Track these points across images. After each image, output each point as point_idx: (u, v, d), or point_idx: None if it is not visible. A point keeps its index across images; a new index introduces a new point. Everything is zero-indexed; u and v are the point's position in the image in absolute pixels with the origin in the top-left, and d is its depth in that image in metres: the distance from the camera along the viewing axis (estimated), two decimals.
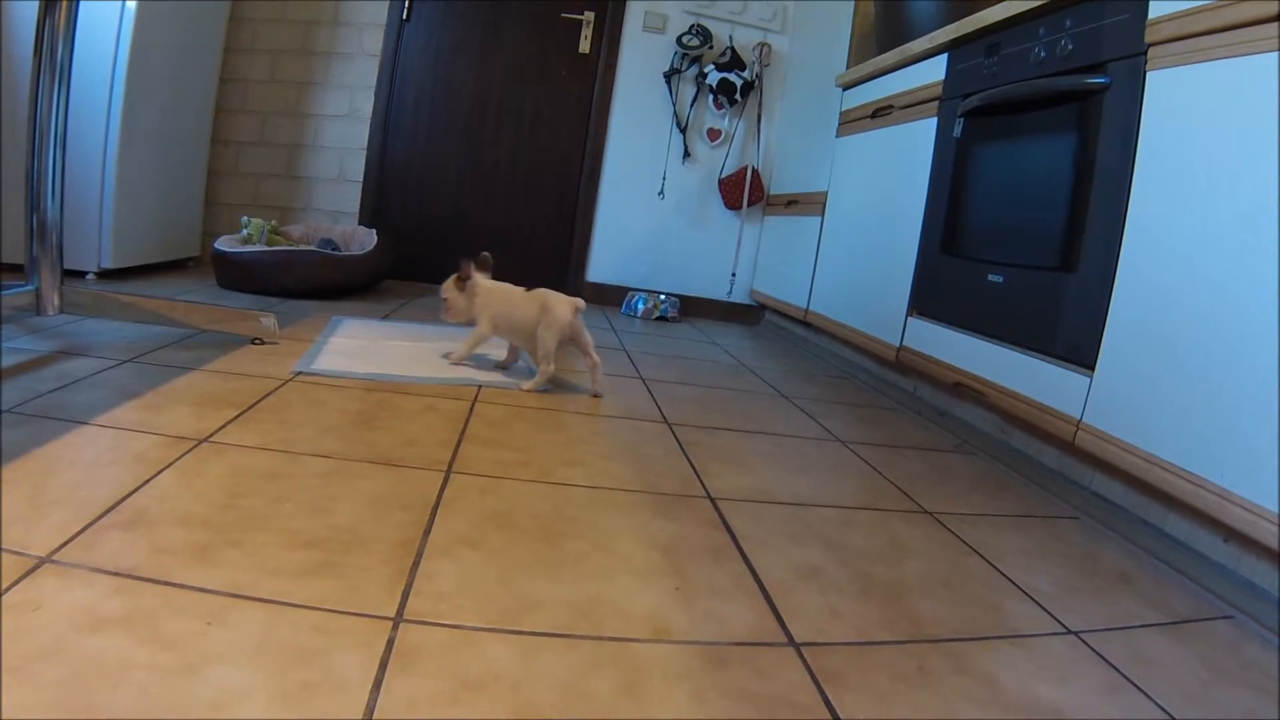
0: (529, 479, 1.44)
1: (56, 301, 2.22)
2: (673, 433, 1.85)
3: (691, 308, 4.03)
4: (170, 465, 1.31)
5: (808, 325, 3.33)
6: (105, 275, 3.32)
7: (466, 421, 1.74)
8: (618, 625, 0.99)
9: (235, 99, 4.19)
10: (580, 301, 2.14)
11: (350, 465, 1.40)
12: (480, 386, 2.07)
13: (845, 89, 3.28)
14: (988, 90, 2.19)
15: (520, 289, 2.26)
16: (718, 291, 4.11)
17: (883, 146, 2.88)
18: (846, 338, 2.92)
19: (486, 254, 2.37)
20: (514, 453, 1.58)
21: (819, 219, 3.28)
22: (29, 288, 2.17)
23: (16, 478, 1.22)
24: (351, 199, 4.25)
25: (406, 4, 4.13)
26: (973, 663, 1.00)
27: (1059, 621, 1.14)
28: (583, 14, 4.09)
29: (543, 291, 2.19)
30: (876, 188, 2.88)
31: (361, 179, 4.23)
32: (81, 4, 2.13)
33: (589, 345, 2.14)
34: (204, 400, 1.70)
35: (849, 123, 3.19)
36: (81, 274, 3.28)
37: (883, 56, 2.92)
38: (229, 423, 1.56)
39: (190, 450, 1.39)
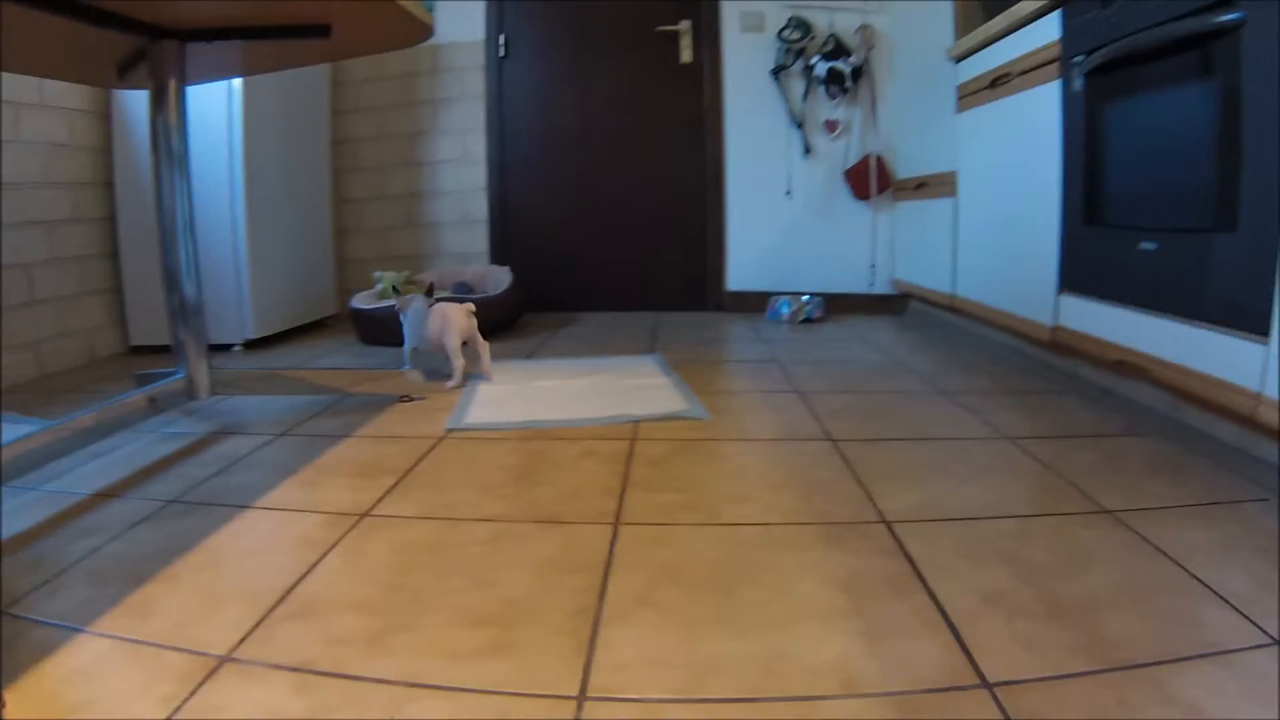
0: (698, 522, 1.38)
1: (206, 384, 2.28)
2: (837, 449, 1.76)
3: (835, 304, 3.90)
4: (334, 546, 1.31)
5: (954, 310, 3.16)
6: (250, 345, 3.44)
7: (628, 464, 1.69)
8: (805, 682, 0.91)
9: (349, 158, 4.33)
10: (471, 305, 2.51)
11: (514, 528, 1.37)
12: (637, 422, 2.01)
13: (957, 61, 3.11)
14: (1108, 45, 2.00)
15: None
16: (859, 285, 3.97)
17: (1007, 117, 2.70)
18: (996, 321, 2.75)
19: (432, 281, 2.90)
20: (680, 494, 1.51)
21: (952, 200, 3.12)
22: (178, 375, 2.24)
23: (187, 572, 1.23)
24: (478, 239, 4.31)
25: (502, 41, 4.16)
26: (1175, 690, 0.87)
27: (1261, 630, 1.00)
28: (678, 23, 4.03)
29: (440, 304, 2.56)
30: (1007, 161, 2.70)
31: (486, 218, 4.29)
32: (189, 89, 2.19)
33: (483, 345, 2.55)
34: (360, 470, 1.71)
35: (967, 96, 3.02)
36: (227, 347, 3.41)
37: (991, 23, 2.75)
38: (387, 493, 1.56)
39: (352, 528, 1.39)
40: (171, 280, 2.19)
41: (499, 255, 4.25)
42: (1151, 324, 1.85)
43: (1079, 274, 2.23)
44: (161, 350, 3.10)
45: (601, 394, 2.33)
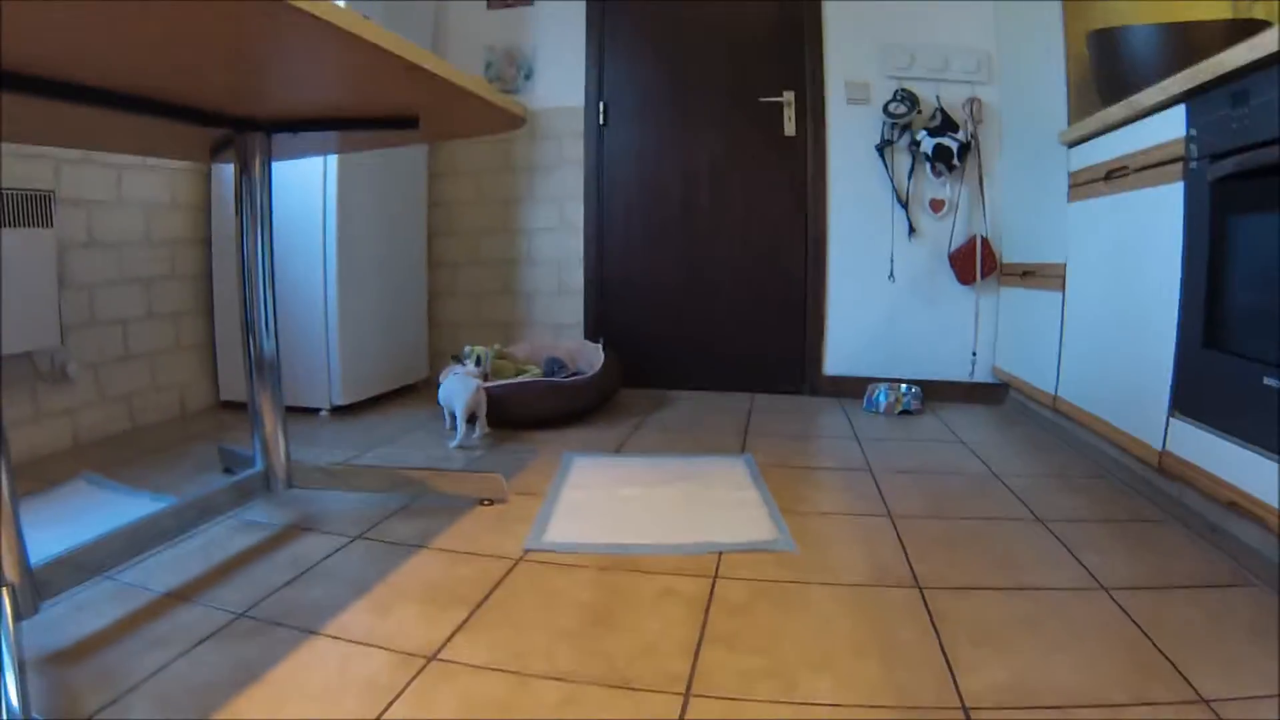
0: (772, 697, 1.36)
1: (283, 468, 2.35)
2: (924, 601, 1.72)
3: (933, 391, 3.83)
4: (400, 695, 1.34)
5: (1056, 409, 3.07)
6: (337, 411, 3.55)
7: (706, 611, 1.68)
8: None
9: (444, 221, 4.46)
10: (479, 383, 3.09)
11: (583, 693, 1.37)
12: (720, 553, 2.01)
13: (1070, 146, 3.05)
14: (1240, 153, 1.91)
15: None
16: (958, 372, 3.89)
17: (1122, 216, 2.61)
18: (1102, 432, 2.66)
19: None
20: (757, 656, 1.49)
21: (1059, 294, 3.03)
22: (256, 470, 2.32)
23: (250, 708, 1.29)
24: (573, 310, 4.38)
25: (602, 108, 4.23)
26: None
27: None
28: (781, 95, 4.03)
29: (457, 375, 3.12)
30: (1121, 264, 2.60)
31: (582, 289, 4.36)
32: None
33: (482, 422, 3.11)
34: (432, 594, 1.75)
35: (1080, 185, 2.94)
36: (314, 411, 3.52)
37: (1108, 110, 2.67)
38: (458, 629, 1.59)
39: (420, 672, 1.43)
40: (250, 333, 2.28)
41: (593, 327, 4.31)
42: (1274, 470, 1.76)
43: (1193, 398, 2.14)
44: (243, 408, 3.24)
45: (687, 510, 2.32)
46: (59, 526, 2.17)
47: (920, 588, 1.79)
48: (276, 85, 1.80)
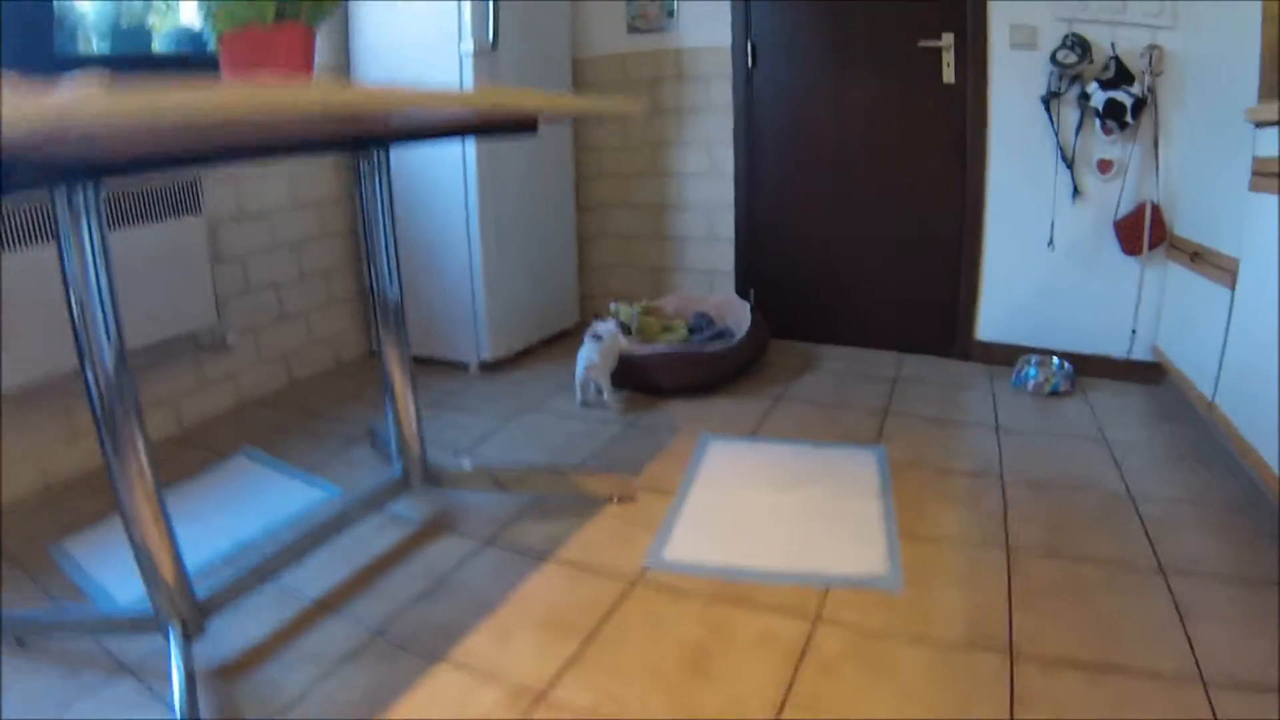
0: None
1: (421, 475, 2.59)
2: (1010, 674, 1.77)
3: (1088, 366, 3.71)
4: None
5: (1211, 415, 2.92)
6: (486, 368, 3.77)
7: (797, 667, 1.80)
8: None
9: (593, 165, 4.55)
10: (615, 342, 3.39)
11: None
12: (827, 589, 2.11)
13: (1257, 126, 2.83)
14: None
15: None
16: (1116, 348, 3.74)
17: None
18: (1253, 462, 2.52)
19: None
20: None
21: (1229, 292, 2.85)
22: (395, 476, 2.56)
23: None
24: (724, 257, 4.44)
25: (750, 49, 4.18)
26: None
27: None
28: (940, 38, 3.85)
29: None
30: None
31: (732, 236, 4.40)
32: None
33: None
34: (551, 619, 1.97)
35: (1263, 175, 2.72)
36: (464, 366, 3.76)
37: None
38: (567, 666, 1.80)
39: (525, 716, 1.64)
40: (375, 280, 2.44)
41: (743, 276, 4.37)
42: None
43: None
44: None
45: (806, 525, 2.42)
46: (222, 515, 2.54)
47: (1012, 655, 1.84)
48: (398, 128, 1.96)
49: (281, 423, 3.29)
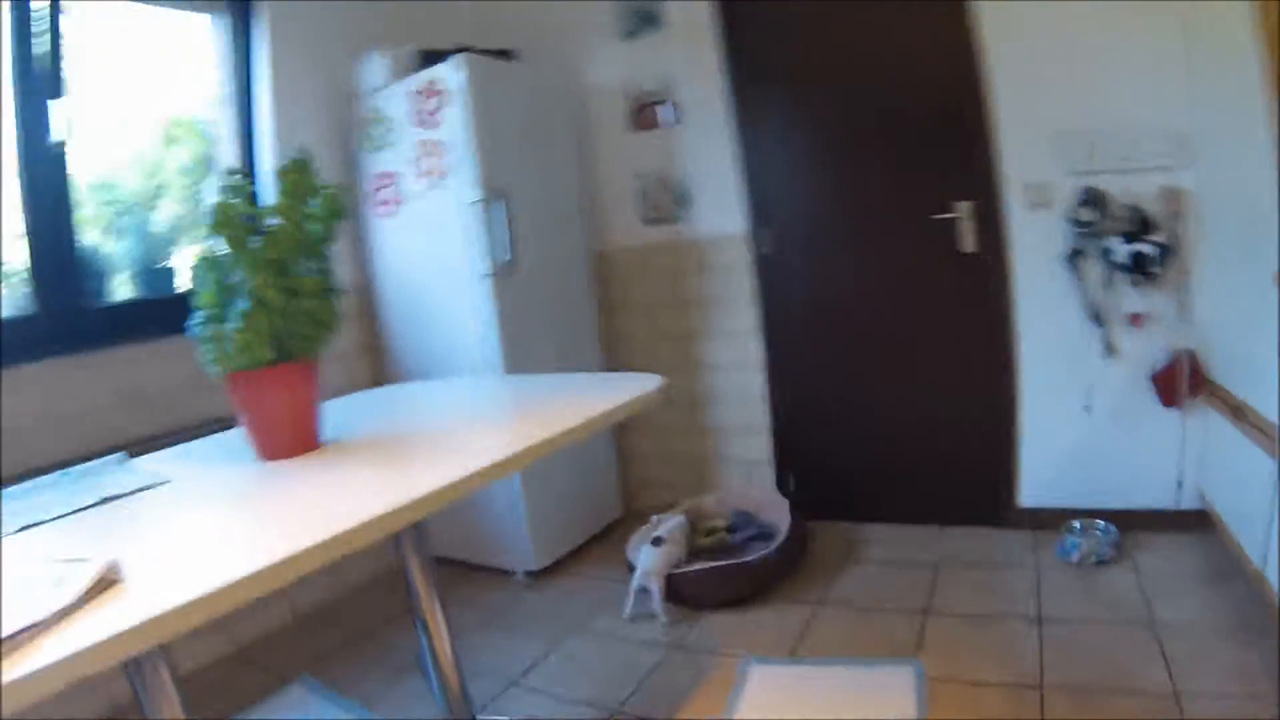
0: None
1: None
2: None
3: (1135, 522, 3.60)
4: None
5: (1264, 596, 2.81)
6: (533, 574, 3.92)
7: None
8: None
9: (623, 356, 4.67)
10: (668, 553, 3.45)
11: None
12: None
13: None
14: None
15: None
16: (1163, 499, 3.61)
17: None
18: None
19: None
20: None
21: (1273, 461, 2.77)
22: None
23: None
24: (760, 446, 4.46)
25: (765, 237, 4.29)
26: None
27: None
28: (954, 208, 3.88)
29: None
30: None
31: (768, 426, 4.44)
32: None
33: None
34: None
35: None
36: (511, 574, 3.89)
37: None
38: None
39: None
40: None
41: (782, 464, 4.41)
42: None
43: None
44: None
45: None
46: None
47: None
48: None
49: (335, 644, 3.41)
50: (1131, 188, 3.54)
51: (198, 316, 1.91)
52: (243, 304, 1.84)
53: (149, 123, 3.80)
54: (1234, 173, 3.16)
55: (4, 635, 0.95)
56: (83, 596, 1.07)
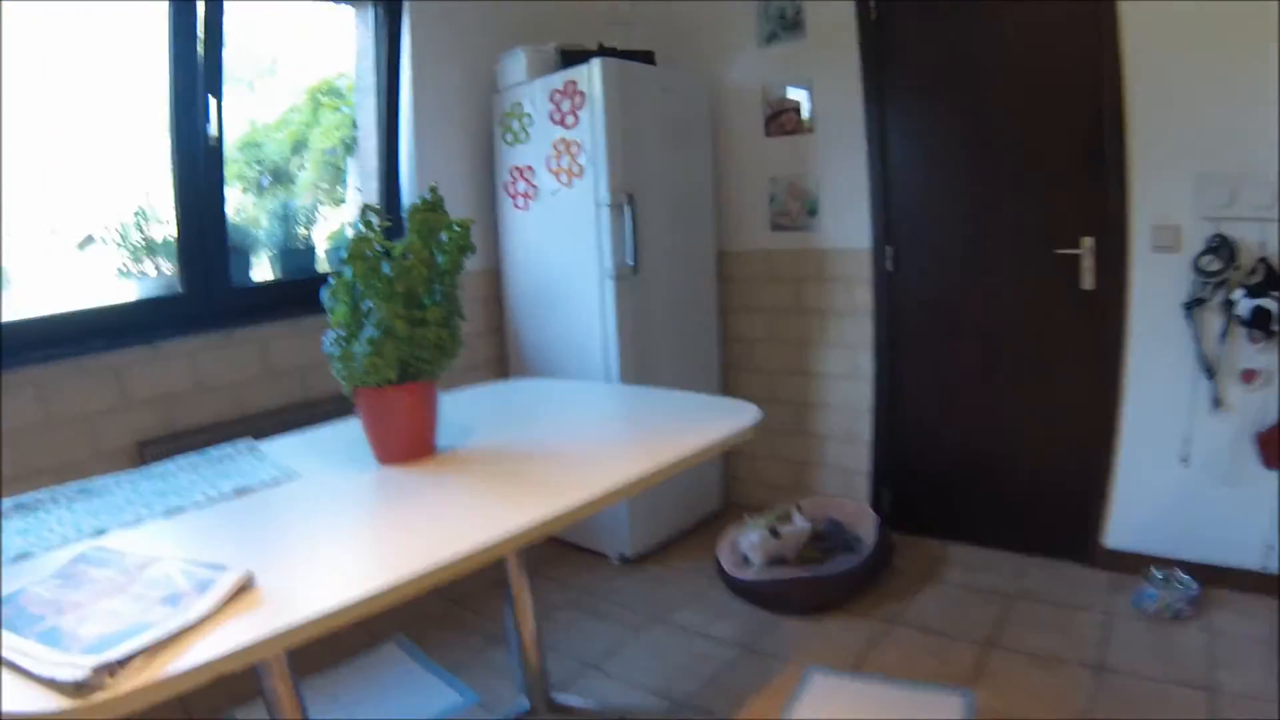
0: None
1: (544, 709, 2.91)
2: None
3: (1218, 579, 3.59)
4: None
5: None
6: (627, 561, 4.18)
7: None
8: None
9: (742, 356, 4.85)
10: None
11: None
12: None
13: None
14: None
15: None
16: (1249, 560, 3.59)
17: None
18: None
19: None
20: None
21: None
22: (522, 708, 2.90)
23: None
24: (860, 458, 4.61)
25: (890, 255, 4.38)
26: None
27: None
28: (1079, 244, 3.92)
29: None
30: None
31: (870, 438, 4.58)
32: None
33: None
34: None
35: None
36: (605, 557, 4.18)
37: None
38: None
39: None
40: None
41: (879, 476, 4.55)
42: None
43: None
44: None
45: None
46: (364, 707, 3.02)
47: None
48: None
49: (432, 608, 3.74)
50: (1266, 240, 3.49)
51: (330, 335, 2.19)
52: (371, 330, 2.10)
53: (297, 92, 4.25)
54: None
55: (162, 636, 1.24)
56: (223, 602, 1.36)
